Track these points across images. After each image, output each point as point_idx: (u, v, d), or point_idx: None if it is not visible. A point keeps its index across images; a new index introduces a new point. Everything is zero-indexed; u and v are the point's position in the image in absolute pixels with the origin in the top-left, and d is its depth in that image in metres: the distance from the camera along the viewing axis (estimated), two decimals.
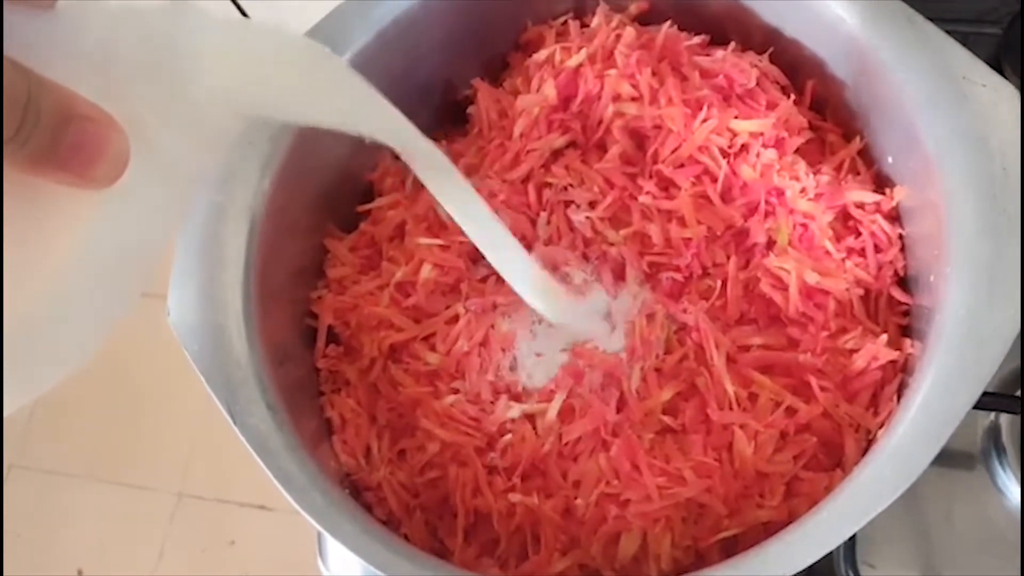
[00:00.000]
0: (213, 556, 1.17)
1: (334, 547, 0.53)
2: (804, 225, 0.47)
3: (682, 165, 0.48)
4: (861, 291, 0.46)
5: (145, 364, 1.18)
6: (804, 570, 0.38)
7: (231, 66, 0.29)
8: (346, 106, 0.35)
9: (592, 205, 0.50)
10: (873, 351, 0.44)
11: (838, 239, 0.47)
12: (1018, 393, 0.51)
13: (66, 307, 0.27)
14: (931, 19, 0.45)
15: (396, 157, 0.41)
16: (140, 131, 0.26)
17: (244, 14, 1.02)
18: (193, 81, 0.28)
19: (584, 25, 0.54)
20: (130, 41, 0.27)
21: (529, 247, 0.49)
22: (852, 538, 0.48)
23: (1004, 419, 0.51)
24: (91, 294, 0.27)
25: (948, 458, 0.51)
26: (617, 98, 0.49)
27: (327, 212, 0.53)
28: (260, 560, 1.14)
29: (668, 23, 0.52)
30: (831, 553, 0.48)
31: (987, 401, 0.48)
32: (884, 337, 0.45)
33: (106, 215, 0.27)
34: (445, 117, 0.56)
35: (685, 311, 0.47)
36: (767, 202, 0.48)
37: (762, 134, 0.48)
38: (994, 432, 0.51)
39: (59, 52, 0.25)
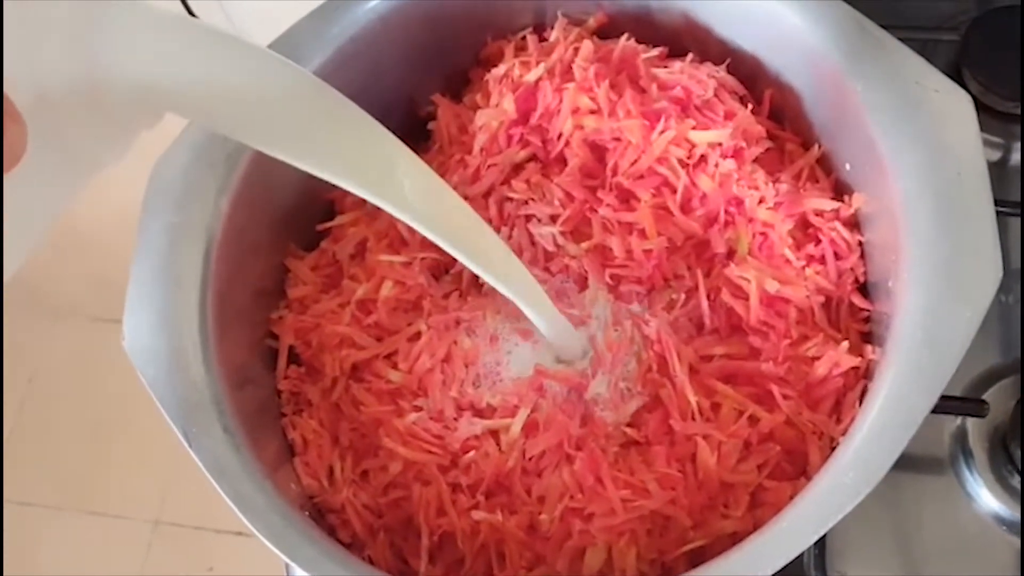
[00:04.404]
0: None
1: (301, 572, 0.52)
2: (764, 234, 0.47)
3: (641, 177, 0.48)
4: (822, 298, 0.46)
5: (117, 391, 1.17)
6: None
7: (155, 59, 0.28)
8: (295, 118, 0.33)
9: (553, 219, 0.49)
10: (834, 358, 0.44)
11: (798, 247, 0.47)
12: (984, 397, 0.51)
13: None
14: (889, 27, 0.46)
15: None
16: (46, 114, 0.26)
17: (192, 13, 1.00)
18: (110, 71, 0.27)
19: (543, 39, 0.54)
20: (50, 24, 0.26)
21: None
22: (822, 546, 0.48)
23: (971, 423, 0.51)
24: None
25: (916, 463, 0.51)
26: (576, 111, 0.49)
27: (287, 231, 0.52)
28: None
29: (626, 36, 0.52)
30: (801, 560, 0.48)
31: (953, 405, 0.49)
32: (845, 344, 0.45)
33: None
34: (407, 133, 0.55)
35: (647, 323, 0.47)
36: (726, 212, 0.48)
37: (720, 144, 0.48)
38: (961, 436, 0.51)
39: None
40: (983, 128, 0.43)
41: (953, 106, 0.43)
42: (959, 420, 0.51)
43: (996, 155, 0.58)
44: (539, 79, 0.50)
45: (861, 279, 0.47)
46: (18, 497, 1.22)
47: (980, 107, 0.44)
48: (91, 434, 1.24)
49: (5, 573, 1.17)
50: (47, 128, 0.26)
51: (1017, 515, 0.49)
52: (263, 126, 0.33)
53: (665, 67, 0.51)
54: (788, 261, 0.47)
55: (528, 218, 0.50)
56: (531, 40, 0.53)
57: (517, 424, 0.46)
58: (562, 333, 0.46)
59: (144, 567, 1.17)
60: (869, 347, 0.45)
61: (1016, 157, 0.58)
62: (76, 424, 1.25)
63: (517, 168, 0.51)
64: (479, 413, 0.47)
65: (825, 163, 0.50)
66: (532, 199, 0.50)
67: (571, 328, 0.47)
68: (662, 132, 0.48)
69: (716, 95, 0.50)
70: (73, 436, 1.24)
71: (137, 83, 0.28)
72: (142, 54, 0.28)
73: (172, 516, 1.19)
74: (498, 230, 0.51)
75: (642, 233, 0.48)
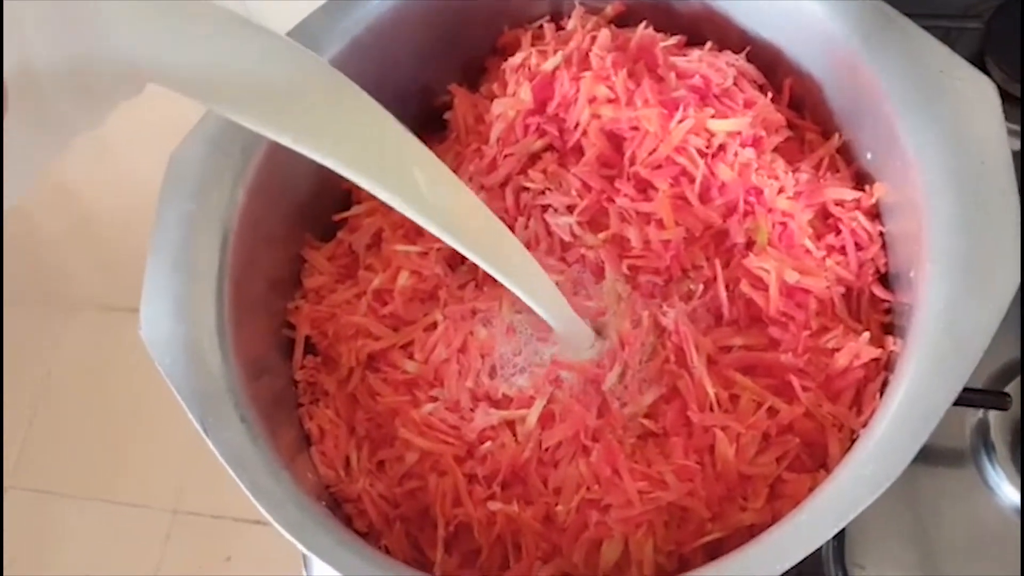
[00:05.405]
0: (210, 573, 1.16)
1: (319, 561, 0.52)
2: (783, 224, 0.47)
3: (659, 166, 0.48)
4: (842, 289, 0.46)
5: (136, 381, 1.18)
6: (791, 572, 0.37)
7: (144, 32, 0.28)
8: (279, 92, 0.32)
9: (570, 209, 0.49)
10: (855, 350, 0.44)
11: (818, 237, 0.47)
12: (1006, 389, 0.50)
13: None
14: (913, 15, 0.45)
15: None
16: (30, 84, 0.25)
17: None
18: (104, 50, 0.27)
19: (560, 28, 0.53)
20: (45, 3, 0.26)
21: None
22: (841, 538, 0.48)
23: (992, 416, 0.50)
24: None
25: (937, 456, 0.51)
26: (593, 100, 0.49)
27: (303, 222, 0.52)
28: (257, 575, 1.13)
29: (644, 24, 0.51)
30: (820, 554, 0.48)
31: (975, 398, 0.48)
32: (866, 335, 0.44)
33: None
34: (423, 123, 0.56)
35: (664, 314, 0.46)
36: (746, 201, 0.47)
37: (739, 133, 0.47)
38: (983, 429, 0.51)
39: None
40: (1006, 117, 0.42)
41: (977, 95, 0.42)
42: (981, 413, 0.51)
43: (1019, 144, 0.57)
44: (556, 68, 0.50)
45: (882, 270, 0.47)
46: (38, 486, 1.23)
47: (1003, 96, 0.44)
48: (109, 424, 1.25)
49: (23, 561, 1.18)
50: (28, 96, 0.25)
51: None
52: (263, 108, 0.32)
53: (684, 56, 0.51)
54: (808, 251, 0.46)
55: (545, 208, 0.50)
56: (548, 29, 0.53)
57: (533, 415, 0.45)
58: (570, 327, 0.46)
59: (163, 556, 1.18)
60: (890, 338, 0.44)
61: None
62: (94, 414, 1.26)
63: (534, 158, 0.51)
64: (495, 404, 0.47)
65: (846, 152, 0.50)
66: (549, 189, 0.50)
67: (580, 322, 0.46)
68: (680, 121, 0.47)
69: (735, 84, 0.49)
70: (91, 426, 1.25)
71: (132, 61, 0.27)
72: (140, 33, 0.27)
73: (190, 505, 1.19)
74: (514, 220, 0.50)
75: (660, 223, 0.48)
